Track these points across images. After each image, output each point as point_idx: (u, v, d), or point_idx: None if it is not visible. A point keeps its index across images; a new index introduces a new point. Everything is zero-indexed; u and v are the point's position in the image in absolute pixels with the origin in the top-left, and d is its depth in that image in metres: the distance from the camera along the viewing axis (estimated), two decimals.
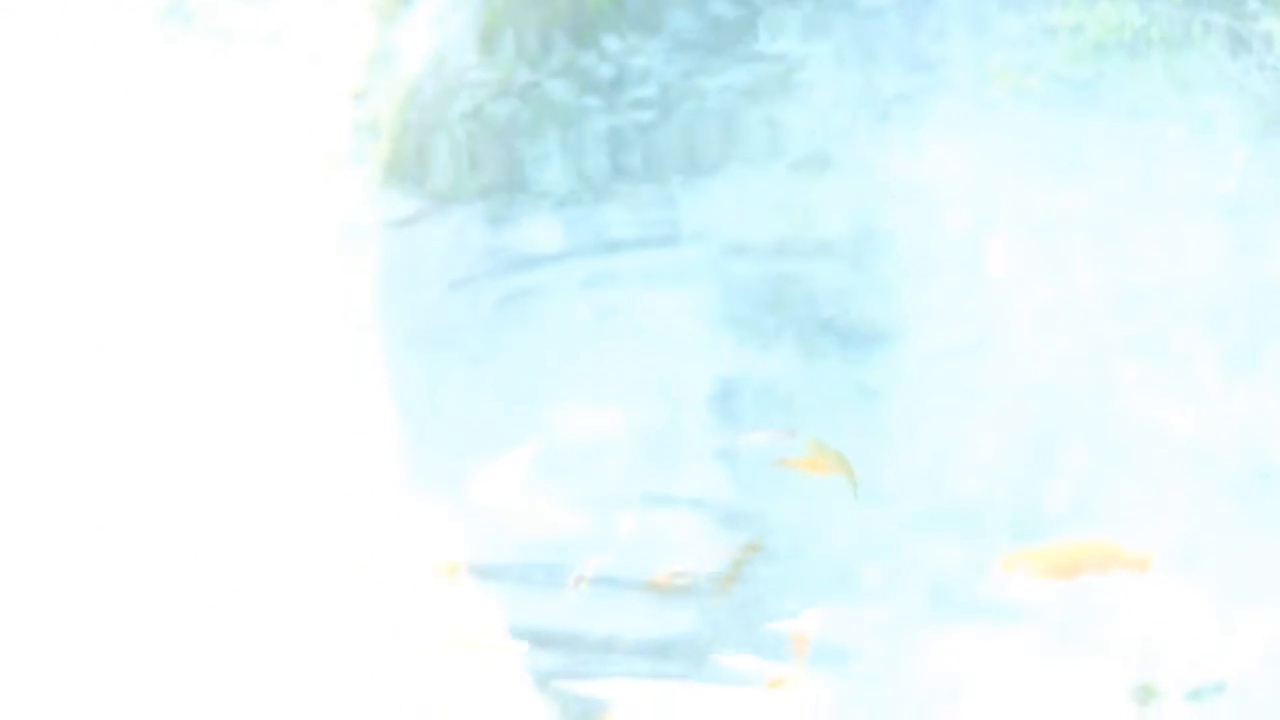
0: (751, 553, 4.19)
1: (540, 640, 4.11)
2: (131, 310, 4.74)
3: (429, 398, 4.59)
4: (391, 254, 4.72)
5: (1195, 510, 4.24)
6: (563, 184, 4.71)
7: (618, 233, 4.67)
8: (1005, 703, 3.89)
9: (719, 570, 4.20)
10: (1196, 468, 4.30)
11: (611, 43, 4.76)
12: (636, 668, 4.04)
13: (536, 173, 4.73)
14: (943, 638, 4.04)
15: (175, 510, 4.43)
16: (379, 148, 4.75)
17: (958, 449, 4.43)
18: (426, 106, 4.76)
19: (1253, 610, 4.03)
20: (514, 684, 4.01)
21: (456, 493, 4.44)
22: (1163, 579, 4.12)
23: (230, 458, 4.52)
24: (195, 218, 4.81)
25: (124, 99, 4.86)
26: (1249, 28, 4.53)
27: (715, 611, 4.12)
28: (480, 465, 4.47)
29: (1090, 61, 4.64)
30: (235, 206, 4.80)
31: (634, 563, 4.26)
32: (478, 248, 4.71)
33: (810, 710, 3.93)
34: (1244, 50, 4.55)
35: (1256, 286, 4.44)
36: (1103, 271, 4.50)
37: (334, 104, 4.83)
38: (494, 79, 4.77)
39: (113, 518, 4.42)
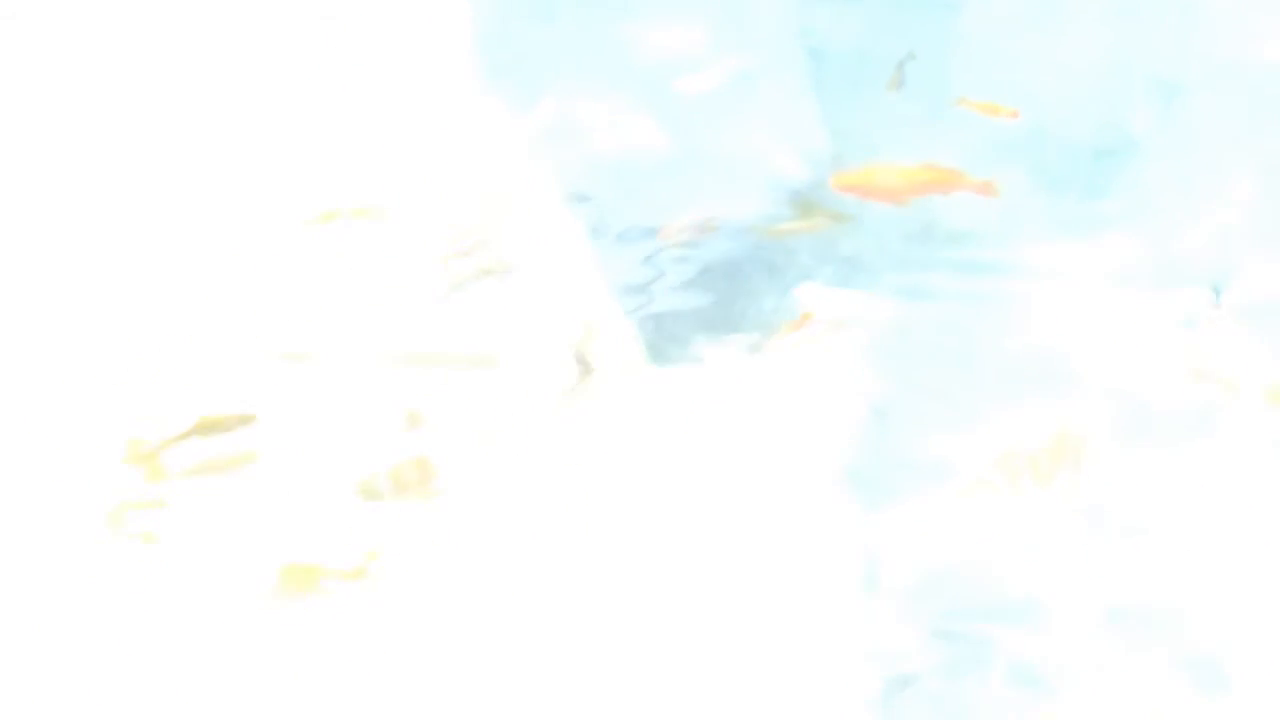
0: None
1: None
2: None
3: (502, 25, 4.60)
4: None
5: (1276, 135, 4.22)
6: None
7: None
8: (1076, 335, 3.91)
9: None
10: None
11: None
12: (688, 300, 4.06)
13: None
14: (1010, 280, 4.05)
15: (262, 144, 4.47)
16: None
17: (1036, 66, 4.40)
18: None
19: None
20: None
21: (535, 117, 4.46)
22: (1238, 207, 4.11)
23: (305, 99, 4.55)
24: None
25: None
26: None
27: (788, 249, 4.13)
28: (559, 90, 4.48)
29: None
30: None
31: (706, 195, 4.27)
32: None
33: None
34: None
35: None
36: None
37: None
38: None
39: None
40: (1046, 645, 3.21)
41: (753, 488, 3.55)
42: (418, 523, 3.45)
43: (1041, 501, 3.47)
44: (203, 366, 3.82)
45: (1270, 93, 4.29)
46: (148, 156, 4.36)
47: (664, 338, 3.91)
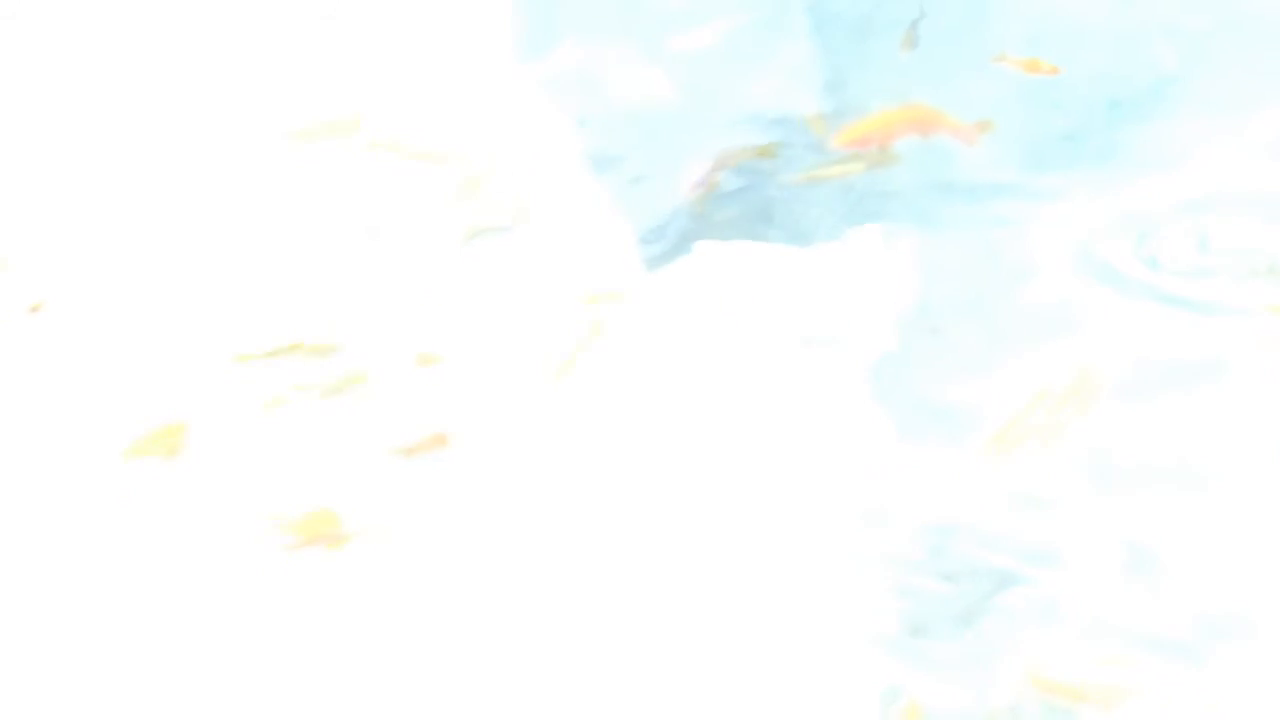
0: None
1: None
2: None
3: None
4: None
5: None
6: None
7: None
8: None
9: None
10: None
11: None
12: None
13: None
14: (1026, 226, 4.03)
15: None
16: None
17: (1052, 18, 4.40)
18: None
19: None
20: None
21: (547, 65, 4.46)
22: (1248, 157, 4.09)
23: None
24: None
25: None
26: None
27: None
28: (571, 40, 4.48)
29: None
30: None
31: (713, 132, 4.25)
32: None
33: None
34: None
35: None
36: None
37: None
38: None
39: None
40: (1063, 586, 3.21)
41: (771, 432, 3.55)
42: (432, 479, 3.46)
43: (1061, 444, 3.47)
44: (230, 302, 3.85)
45: None
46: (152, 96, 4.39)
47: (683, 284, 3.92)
